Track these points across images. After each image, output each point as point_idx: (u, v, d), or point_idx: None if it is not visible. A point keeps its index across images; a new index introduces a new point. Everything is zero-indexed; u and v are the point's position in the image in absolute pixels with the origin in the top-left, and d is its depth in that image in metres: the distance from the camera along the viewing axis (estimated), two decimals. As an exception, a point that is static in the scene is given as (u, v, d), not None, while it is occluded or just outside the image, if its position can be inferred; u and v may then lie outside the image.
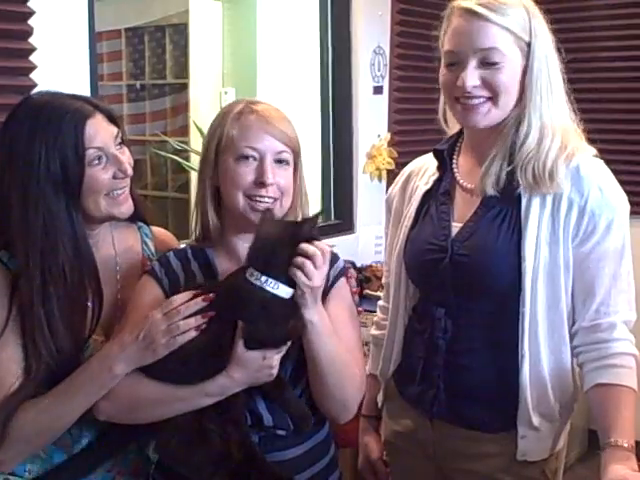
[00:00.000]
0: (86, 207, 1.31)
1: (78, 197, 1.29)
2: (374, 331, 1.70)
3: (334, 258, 1.36)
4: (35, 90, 1.91)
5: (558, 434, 1.44)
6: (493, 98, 1.36)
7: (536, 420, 1.39)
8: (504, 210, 1.39)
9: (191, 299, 1.22)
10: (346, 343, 1.31)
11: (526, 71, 1.36)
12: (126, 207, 1.36)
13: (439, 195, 1.49)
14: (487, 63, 1.34)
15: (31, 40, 1.96)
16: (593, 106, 3.15)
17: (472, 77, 1.34)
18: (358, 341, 1.38)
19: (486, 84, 1.35)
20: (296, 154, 1.36)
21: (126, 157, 1.34)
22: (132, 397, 1.24)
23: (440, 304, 1.44)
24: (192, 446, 1.25)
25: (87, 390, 1.24)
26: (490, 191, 1.39)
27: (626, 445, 1.25)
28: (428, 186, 1.52)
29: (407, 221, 1.53)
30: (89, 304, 1.32)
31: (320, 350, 1.24)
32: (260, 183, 1.29)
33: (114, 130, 1.33)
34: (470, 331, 1.42)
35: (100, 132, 1.29)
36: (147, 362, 1.23)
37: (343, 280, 1.39)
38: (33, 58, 1.97)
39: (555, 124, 1.36)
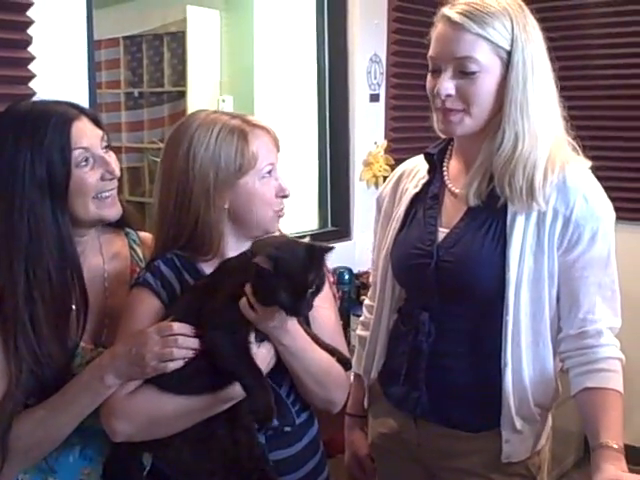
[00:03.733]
0: (75, 210, 1.30)
1: (65, 199, 1.28)
2: (360, 332, 1.72)
3: None
4: (34, 99, 1.93)
5: (539, 434, 1.46)
6: (466, 109, 1.36)
7: (519, 423, 1.40)
8: (490, 218, 1.40)
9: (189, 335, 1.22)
10: (328, 336, 1.34)
11: (506, 79, 1.35)
12: (115, 210, 1.36)
13: (427, 199, 1.51)
14: (463, 72, 1.34)
15: (30, 49, 1.98)
16: (581, 113, 3.16)
17: (446, 86, 1.35)
18: (340, 331, 1.42)
19: (460, 95, 1.35)
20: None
21: (112, 159, 1.34)
22: (150, 414, 1.23)
23: (424, 307, 1.46)
24: (203, 454, 1.25)
25: (81, 400, 1.24)
26: (473, 202, 1.40)
27: (616, 446, 1.26)
28: (417, 189, 1.53)
29: (395, 223, 1.55)
30: (73, 307, 1.31)
31: (294, 365, 1.27)
32: (283, 196, 1.34)
33: (100, 133, 1.33)
34: (453, 335, 1.44)
35: (86, 133, 1.29)
36: (135, 378, 1.23)
37: None
38: (32, 67, 1.98)
39: (534, 136, 1.35)
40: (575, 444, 3.33)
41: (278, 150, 1.36)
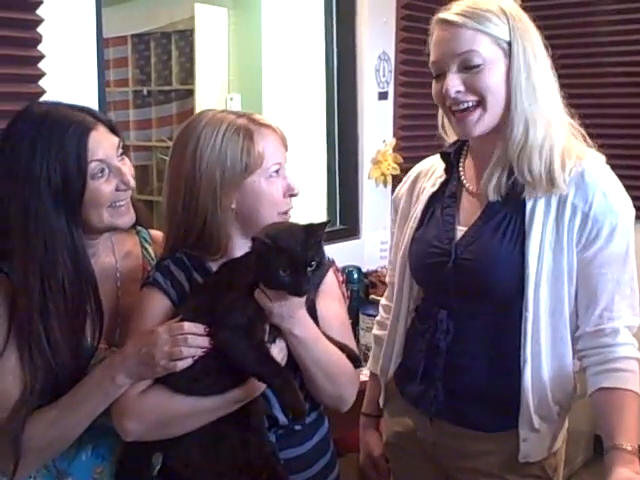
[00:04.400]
0: (88, 219, 1.30)
1: (79, 212, 1.28)
2: (376, 331, 1.72)
3: None
4: (44, 97, 1.93)
5: (556, 433, 1.46)
6: (481, 102, 1.36)
7: (537, 422, 1.40)
8: (508, 215, 1.40)
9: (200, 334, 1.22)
10: (337, 334, 1.34)
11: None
12: (129, 218, 1.36)
13: (445, 198, 1.51)
14: (467, 67, 1.35)
15: (40, 47, 1.98)
16: (596, 111, 3.16)
17: (454, 82, 1.35)
18: (349, 329, 1.42)
19: (470, 88, 1.35)
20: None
21: (127, 167, 1.34)
22: (161, 413, 1.24)
23: (443, 306, 1.46)
24: (214, 454, 1.26)
25: (92, 400, 1.24)
26: (493, 197, 1.40)
27: (629, 448, 1.26)
28: (435, 188, 1.53)
29: (413, 222, 1.55)
30: (88, 319, 1.31)
31: (307, 357, 1.27)
32: (290, 195, 1.34)
33: (115, 141, 1.32)
34: (471, 333, 1.43)
35: (103, 144, 1.29)
36: (146, 377, 1.23)
37: (330, 274, 1.41)
38: (42, 65, 1.99)
39: (545, 120, 1.35)
40: (584, 444, 3.32)
41: (286, 149, 1.36)
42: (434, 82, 1.42)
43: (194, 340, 1.21)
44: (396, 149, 3.18)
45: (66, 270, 1.27)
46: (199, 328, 1.22)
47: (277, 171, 1.32)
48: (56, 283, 1.27)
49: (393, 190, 3.16)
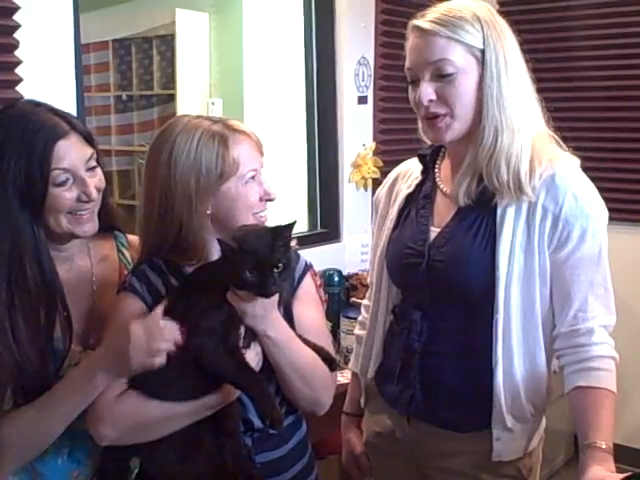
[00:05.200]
0: (47, 223, 1.30)
1: (40, 214, 1.28)
2: (358, 331, 1.72)
3: (296, 258, 1.38)
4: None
5: (531, 434, 1.47)
6: (449, 112, 1.37)
7: (510, 422, 1.41)
8: (480, 217, 1.41)
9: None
10: (314, 337, 1.34)
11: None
12: (89, 227, 1.34)
13: (420, 199, 1.52)
14: (440, 75, 1.36)
15: (17, 53, 1.97)
16: (571, 114, 3.20)
17: (426, 91, 1.36)
18: (326, 332, 1.43)
19: (441, 98, 1.37)
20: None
21: (96, 180, 1.33)
22: (135, 418, 1.24)
23: (417, 307, 1.48)
24: (189, 459, 1.26)
25: (70, 400, 1.24)
26: (463, 202, 1.42)
27: (604, 446, 1.27)
28: (410, 189, 1.55)
29: (390, 222, 1.56)
30: (57, 320, 1.31)
31: (281, 360, 1.27)
32: (267, 199, 1.34)
33: (87, 152, 1.32)
34: (445, 334, 1.45)
35: (70, 153, 1.28)
36: (123, 376, 1.23)
37: (307, 277, 1.41)
38: (19, 71, 1.98)
39: (513, 129, 1.36)
40: (565, 443, 3.35)
41: (262, 154, 1.36)
42: (410, 88, 1.43)
43: (169, 334, 1.21)
44: (376, 153, 3.20)
45: (31, 270, 1.28)
46: (173, 323, 1.22)
47: (253, 177, 1.32)
48: (22, 278, 1.27)
49: (374, 193, 3.19)
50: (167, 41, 4.32)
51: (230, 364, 1.22)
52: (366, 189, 3.22)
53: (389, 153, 3.19)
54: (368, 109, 3.20)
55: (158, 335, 1.20)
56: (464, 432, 1.45)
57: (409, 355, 1.48)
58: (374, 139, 3.22)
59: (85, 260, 1.43)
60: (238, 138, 1.31)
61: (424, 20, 1.38)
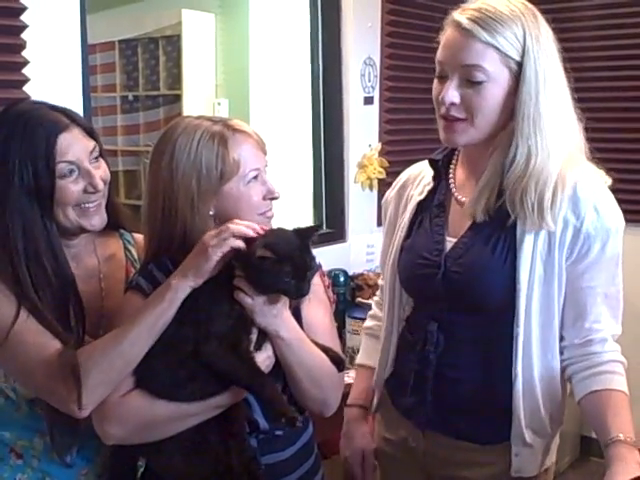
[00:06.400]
0: (57, 218, 1.31)
1: (50, 209, 1.29)
2: (368, 322, 1.69)
3: None
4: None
5: (549, 448, 1.44)
6: (468, 119, 1.34)
7: (529, 437, 1.39)
8: (498, 228, 1.37)
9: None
10: (322, 338, 1.34)
11: (516, 91, 1.32)
12: (97, 220, 1.35)
13: (433, 207, 1.48)
14: (470, 81, 1.32)
15: (24, 53, 1.98)
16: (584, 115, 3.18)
17: (451, 94, 1.33)
18: (334, 333, 1.42)
19: (465, 104, 1.33)
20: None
21: (101, 171, 1.34)
22: (142, 417, 1.23)
23: (433, 318, 1.44)
24: (195, 459, 1.26)
25: (152, 308, 1.20)
26: (480, 218, 1.38)
27: (628, 439, 1.25)
28: (422, 196, 1.51)
29: (401, 231, 1.52)
30: (71, 312, 1.32)
31: (292, 360, 1.27)
32: (271, 198, 1.34)
33: (90, 144, 1.33)
34: (462, 346, 1.42)
35: (73, 146, 1.29)
36: (200, 271, 1.20)
37: (316, 278, 1.39)
38: (26, 71, 1.99)
39: (547, 151, 1.32)
40: (571, 444, 3.34)
41: (265, 153, 1.35)
42: (436, 81, 1.39)
43: (239, 227, 1.21)
44: (382, 153, 3.19)
45: (48, 260, 1.29)
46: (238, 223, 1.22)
47: (255, 177, 1.31)
48: (43, 272, 1.28)
49: (379, 194, 3.21)
50: (173, 41, 4.33)
51: (241, 370, 1.22)
52: (372, 189, 3.22)
53: (395, 154, 3.19)
54: (374, 109, 3.20)
55: (226, 229, 1.20)
56: (481, 444, 1.42)
57: (424, 367, 1.44)
58: (380, 140, 3.22)
59: (92, 258, 1.44)
60: (238, 138, 1.30)
61: (465, 17, 1.32)
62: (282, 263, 1.19)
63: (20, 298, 1.26)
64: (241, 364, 1.22)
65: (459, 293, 1.39)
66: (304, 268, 1.21)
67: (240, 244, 1.21)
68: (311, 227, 1.26)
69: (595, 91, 3.26)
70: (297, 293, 1.23)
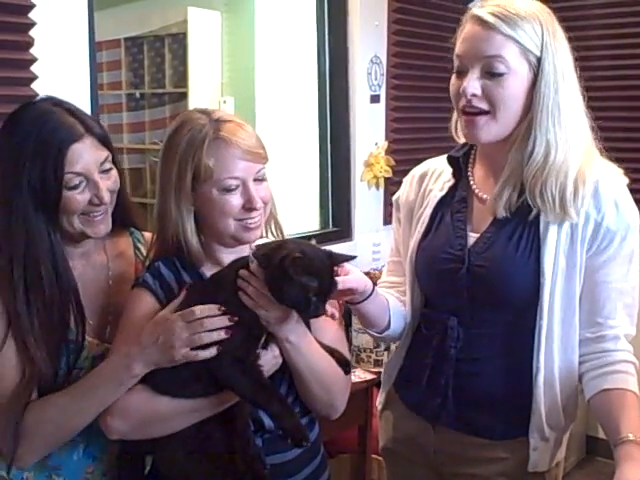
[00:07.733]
0: (60, 224, 1.31)
1: (54, 216, 1.30)
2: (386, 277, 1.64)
3: None
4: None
5: (561, 442, 1.45)
6: (491, 112, 1.34)
7: (547, 431, 1.40)
8: (521, 223, 1.38)
9: (215, 315, 1.21)
10: (330, 341, 1.34)
11: (534, 86, 1.33)
12: (101, 228, 1.35)
13: (454, 203, 1.48)
14: (491, 73, 1.32)
15: (32, 51, 1.98)
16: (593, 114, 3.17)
17: (473, 84, 1.33)
18: (341, 335, 1.42)
19: (486, 95, 1.33)
20: (267, 162, 1.34)
21: (109, 182, 1.34)
22: (145, 412, 1.24)
23: (453, 312, 1.44)
24: (198, 457, 1.26)
25: (106, 388, 1.24)
26: (501, 214, 1.38)
27: (638, 439, 1.25)
28: (443, 192, 1.50)
29: (420, 226, 1.51)
30: (71, 317, 1.32)
31: (301, 364, 1.27)
32: (249, 208, 1.29)
33: (102, 155, 1.32)
34: (482, 340, 1.42)
35: (83, 157, 1.29)
36: (164, 365, 1.22)
37: None
38: (34, 68, 1.99)
39: (567, 145, 1.34)
40: (577, 444, 3.34)
41: (259, 162, 1.30)
42: (454, 77, 1.39)
43: (211, 323, 1.20)
44: (388, 152, 3.19)
45: (46, 269, 1.29)
46: (212, 309, 1.21)
47: (235, 186, 1.28)
48: (37, 279, 1.29)
49: (385, 192, 3.21)
50: (179, 39, 4.33)
51: (249, 385, 1.22)
52: (378, 188, 3.21)
53: (401, 152, 3.18)
54: (380, 108, 3.20)
55: (199, 326, 1.20)
56: (494, 440, 1.42)
57: (442, 362, 1.44)
58: (386, 138, 3.22)
59: (102, 256, 1.44)
60: (220, 144, 1.27)
61: (486, 11, 1.33)
62: (311, 277, 1.18)
63: (10, 316, 1.27)
64: (247, 379, 1.22)
65: (483, 287, 1.40)
66: (328, 290, 1.21)
67: (212, 353, 1.20)
68: (347, 256, 1.27)
69: (600, 90, 3.25)
70: (315, 312, 1.21)
